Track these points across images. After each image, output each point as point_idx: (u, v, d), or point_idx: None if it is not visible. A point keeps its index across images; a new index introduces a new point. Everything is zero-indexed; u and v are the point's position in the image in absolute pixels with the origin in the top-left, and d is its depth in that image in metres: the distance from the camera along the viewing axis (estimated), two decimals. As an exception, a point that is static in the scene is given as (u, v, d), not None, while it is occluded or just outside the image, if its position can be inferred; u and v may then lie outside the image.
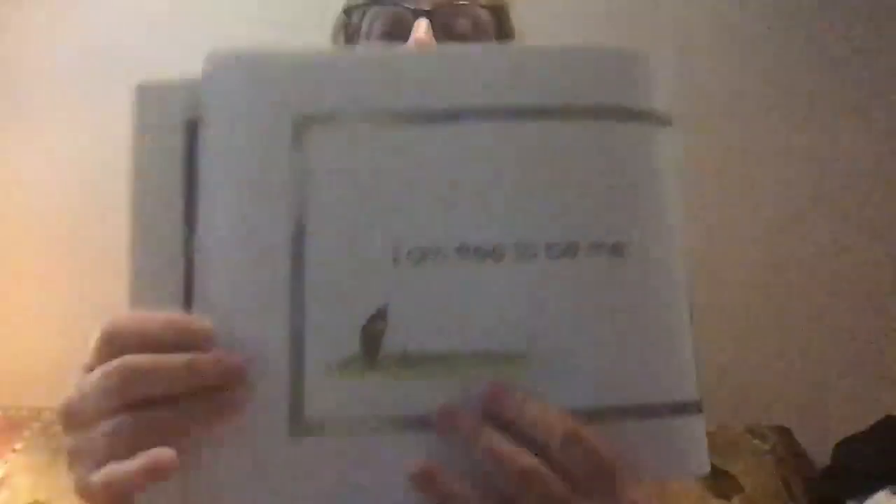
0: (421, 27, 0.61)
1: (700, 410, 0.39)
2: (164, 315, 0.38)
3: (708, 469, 0.39)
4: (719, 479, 1.16)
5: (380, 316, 0.37)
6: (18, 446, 1.21)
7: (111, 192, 1.44)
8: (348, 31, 0.69)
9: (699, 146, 1.37)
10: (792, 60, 1.39)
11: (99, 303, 1.43)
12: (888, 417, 1.18)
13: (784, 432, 1.25)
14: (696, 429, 0.39)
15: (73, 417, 0.38)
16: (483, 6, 0.66)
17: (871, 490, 1.08)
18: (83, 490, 0.38)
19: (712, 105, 1.38)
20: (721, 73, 1.39)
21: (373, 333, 0.37)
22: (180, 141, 0.39)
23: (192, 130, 0.39)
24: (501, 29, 0.69)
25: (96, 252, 1.43)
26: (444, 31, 0.63)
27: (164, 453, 0.35)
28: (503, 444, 0.36)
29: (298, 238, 0.37)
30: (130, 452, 0.35)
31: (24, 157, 1.45)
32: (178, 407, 0.36)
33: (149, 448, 0.35)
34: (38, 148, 1.45)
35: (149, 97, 0.40)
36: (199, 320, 0.37)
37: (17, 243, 1.44)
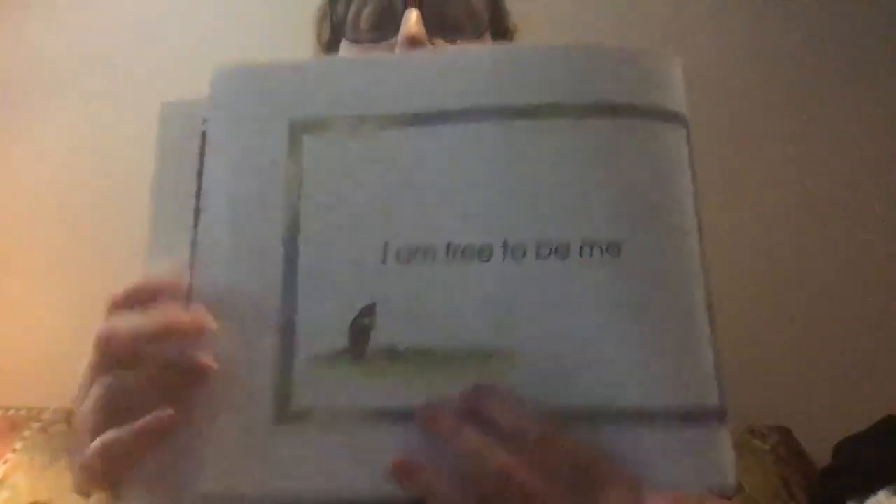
0: (411, 18, 0.58)
1: (722, 420, 0.38)
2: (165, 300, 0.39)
3: (733, 485, 0.37)
4: (719, 479, 1.16)
5: (368, 312, 0.38)
6: (18, 446, 1.21)
7: (111, 192, 1.44)
8: (333, 21, 0.64)
9: (704, 144, 1.37)
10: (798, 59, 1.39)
11: (99, 304, 1.43)
12: (888, 417, 1.18)
13: (784, 432, 1.25)
14: (714, 439, 0.38)
15: (74, 415, 0.39)
16: None
17: (871, 490, 1.08)
18: (81, 471, 0.38)
19: (721, 102, 1.38)
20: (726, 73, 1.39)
21: (361, 328, 0.38)
22: (196, 149, 0.42)
23: (205, 140, 0.43)
24: (496, 16, 0.66)
25: (96, 252, 1.43)
26: (435, 21, 0.59)
27: (165, 411, 0.36)
28: (481, 443, 0.36)
29: (292, 237, 0.39)
30: (116, 416, 0.37)
31: (24, 157, 1.45)
32: (155, 371, 0.37)
33: (129, 410, 0.36)
34: (38, 148, 1.45)
35: (171, 112, 0.44)
36: (199, 315, 0.39)
37: (16, 243, 1.44)
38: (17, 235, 1.44)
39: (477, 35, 0.62)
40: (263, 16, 1.42)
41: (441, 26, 0.60)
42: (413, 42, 0.57)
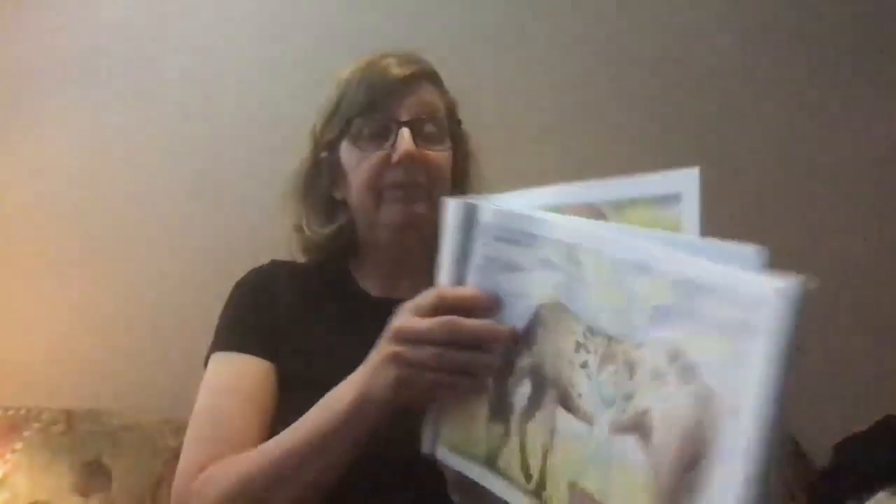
0: (405, 136, 0.84)
1: None
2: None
3: None
4: (719, 480, 1.15)
5: None
6: (18, 446, 1.21)
7: (111, 192, 1.44)
8: (338, 129, 0.88)
9: (705, 143, 1.37)
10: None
11: (99, 304, 1.44)
12: (888, 417, 1.18)
13: (784, 432, 1.25)
14: None
15: (406, 334, 0.62)
16: (443, 113, 0.90)
17: (871, 490, 1.08)
18: (402, 383, 0.62)
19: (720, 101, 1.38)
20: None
21: None
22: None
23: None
24: (454, 127, 0.92)
25: (96, 252, 1.43)
26: (418, 134, 0.85)
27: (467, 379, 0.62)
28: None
29: None
30: (443, 372, 0.61)
31: (23, 157, 1.45)
32: (470, 354, 0.61)
33: (452, 372, 0.61)
34: (39, 147, 1.45)
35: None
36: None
37: (17, 243, 1.44)
38: (18, 235, 1.44)
39: (442, 142, 0.89)
40: (260, 13, 1.43)
41: (420, 137, 0.85)
42: (409, 156, 0.84)
